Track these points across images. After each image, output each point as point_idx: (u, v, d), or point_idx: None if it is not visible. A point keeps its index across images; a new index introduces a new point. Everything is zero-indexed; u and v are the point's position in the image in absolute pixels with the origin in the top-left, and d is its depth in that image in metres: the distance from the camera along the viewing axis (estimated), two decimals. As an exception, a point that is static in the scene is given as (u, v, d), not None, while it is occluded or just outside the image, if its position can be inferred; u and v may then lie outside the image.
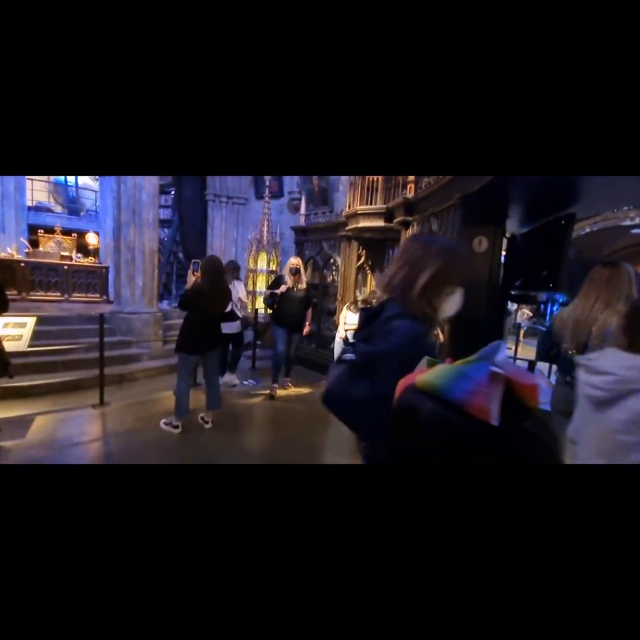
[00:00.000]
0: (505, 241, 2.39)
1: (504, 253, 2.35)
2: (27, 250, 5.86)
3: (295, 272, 3.43)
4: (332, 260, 4.60)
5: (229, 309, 2.98)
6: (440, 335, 2.07)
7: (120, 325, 4.26)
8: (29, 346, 2.73)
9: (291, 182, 5.43)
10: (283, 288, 3.41)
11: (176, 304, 3.27)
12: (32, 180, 7.82)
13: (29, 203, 7.64)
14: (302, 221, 5.01)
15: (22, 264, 4.97)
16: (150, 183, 4.21)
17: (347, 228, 3.98)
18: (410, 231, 3.06)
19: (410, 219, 3.02)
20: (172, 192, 7.29)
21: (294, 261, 3.53)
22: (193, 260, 2.65)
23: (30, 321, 2.73)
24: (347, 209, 3.98)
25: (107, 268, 5.64)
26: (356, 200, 3.79)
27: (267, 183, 5.48)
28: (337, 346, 3.43)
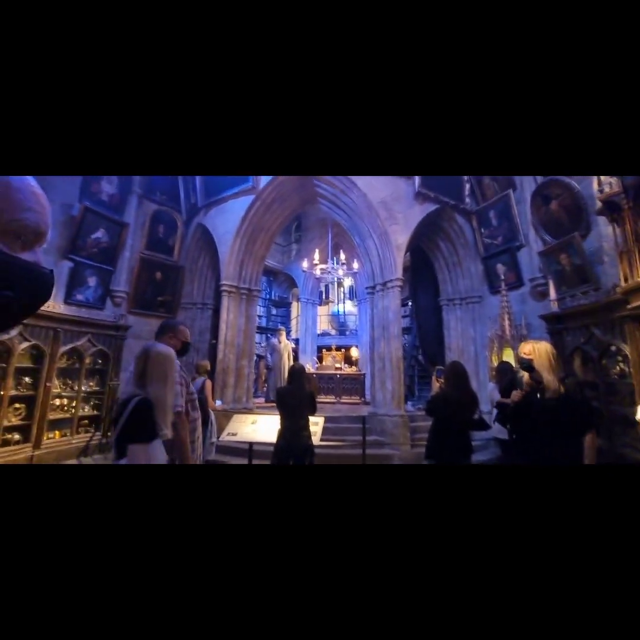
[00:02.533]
0: None
1: None
2: (317, 365, 8.26)
3: (527, 367, 2.04)
4: (614, 348, 3.51)
5: (477, 415, 2.82)
6: None
7: (375, 426, 4.88)
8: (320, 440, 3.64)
9: (531, 268, 4.98)
10: (517, 395, 2.11)
11: (420, 406, 3.43)
12: (320, 316, 11.45)
13: (318, 331, 11.05)
14: (554, 307, 4.31)
15: (315, 375, 7.03)
16: (394, 303, 5.14)
17: (630, 306, 3.06)
18: None
19: None
20: (410, 303, 8.43)
21: (527, 349, 2.07)
22: (437, 368, 2.83)
23: (321, 420, 3.71)
24: (623, 283, 3.13)
25: (364, 374, 6.92)
26: (637, 270, 2.95)
27: (502, 276, 5.29)
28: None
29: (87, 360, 5.30)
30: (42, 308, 4.61)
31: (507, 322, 4.80)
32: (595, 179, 3.88)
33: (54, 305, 4.94)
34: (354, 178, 5.26)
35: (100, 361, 5.56)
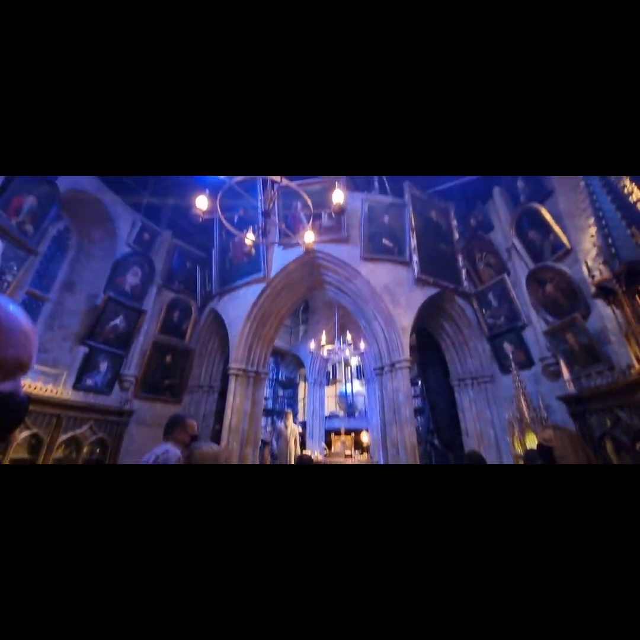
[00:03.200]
0: None
1: None
2: (325, 452, 7.70)
3: (546, 455, 2.18)
4: (645, 434, 3.26)
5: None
6: None
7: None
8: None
9: (539, 348, 4.97)
10: None
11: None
12: (328, 397, 11.13)
13: (326, 413, 10.61)
14: (570, 388, 4.17)
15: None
16: (404, 385, 5.04)
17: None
18: None
19: None
20: (420, 383, 8.24)
21: (547, 434, 2.09)
22: (467, 452, 2.63)
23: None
24: (637, 365, 3.08)
25: (377, 465, 6.38)
26: (647, 350, 2.93)
27: (511, 355, 5.26)
28: None
29: (85, 450, 5.05)
30: (49, 394, 4.56)
31: (524, 404, 4.59)
32: (583, 264, 4.15)
33: (62, 391, 4.94)
34: (358, 267, 5.69)
35: (98, 450, 5.29)
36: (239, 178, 2.88)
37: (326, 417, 10.36)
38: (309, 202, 3.36)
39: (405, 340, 5.30)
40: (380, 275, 5.66)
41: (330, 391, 11.63)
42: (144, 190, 6.73)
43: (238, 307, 6.16)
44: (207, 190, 2.94)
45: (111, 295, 5.86)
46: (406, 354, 5.22)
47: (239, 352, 5.93)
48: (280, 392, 10.81)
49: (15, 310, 0.45)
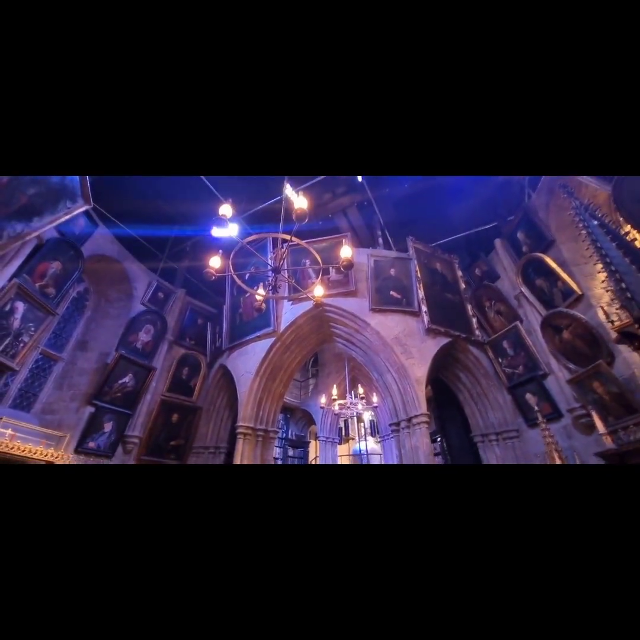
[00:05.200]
0: None
1: None
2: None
3: None
4: None
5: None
6: None
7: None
8: None
9: (565, 398, 4.67)
10: None
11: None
12: (341, 456, 10.42)
13: (339, 475, 9.85)
14: (607, 443, 3.80)
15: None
16: (424, 442, 4.68)
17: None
18: None
19: None
20: (439, 439, 7.69)
21: None
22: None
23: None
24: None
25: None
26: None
27: (536, 407, 4.93)
28: None
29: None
30: (49, 458, 4.33)
31: (558, 461, 4.17)
32: (599, 310, 4.07)
33: (63, 455, 4.72)
34: (367, 318, 5.70)
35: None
36: (250, 238, 3.03)
37: (340, 480, 9.58)
38: (319, 257, 3.47)
39: (420, 393, 5.07)
40: (390, 326, 5.63)
41: (343, 450, 10.93)
42: (161, 253, 7.16)
43: (247, 362, 6.09)
44: (220, 251, 3.08)
45: (123, 353, 5.89)
46: (423, 407, 4.95)
47: (248, 410, 5.71)
48: (291, 452, 10.19)
49: None
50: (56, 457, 4.56)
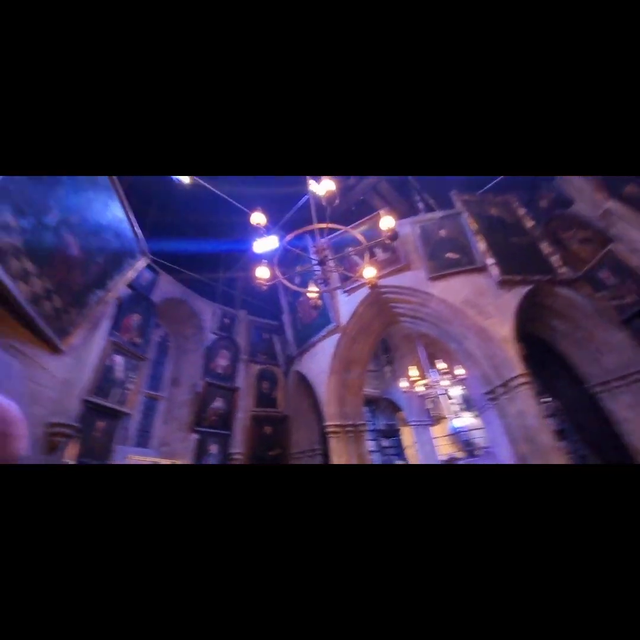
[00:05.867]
0: None
1: None
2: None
3: None
4: None
5: None
6: None
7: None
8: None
9: None
10: None
11: None
12: (438, 438, 9.92)
13: (442, 457, 9.37)
14: None
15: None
16: (530, 405, 4.18)
17: None
18: None
19: None
20: (548, 399, 6.83)
21: None
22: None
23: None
24: None
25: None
26: None
27: None
28: None
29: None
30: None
31: None
32: None
33: (184, 479, 5.27)
34: (428, 288, 5.32)
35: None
36: (289, 237, 3.02)
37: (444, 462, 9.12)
38: (362, 237, 3.33)
39: (512, 352, 4.54)
40: (455, 290, 5.18)
41: (438, 431, 10.41)
42: (216, 282, 7.66)
43: (319, 362, 6.15)
44: (264, 260, 3.12)
45: (208, 380, 6.40)
46: (519, 367, 4.42)
47: (331, 408, 5.74)
48: (385, 443, 10.04)
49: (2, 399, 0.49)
50: (178, 483, 5.11)
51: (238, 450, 6.27)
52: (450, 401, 10.89)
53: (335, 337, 5.96)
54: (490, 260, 5.06)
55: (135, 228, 4.87)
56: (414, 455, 9.49)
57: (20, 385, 3.54)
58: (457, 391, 10.17)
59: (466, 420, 10.09)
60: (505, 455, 5.93)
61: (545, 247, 5.34)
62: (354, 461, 5.36)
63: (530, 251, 5.32)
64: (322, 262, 2.99)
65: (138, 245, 5.08)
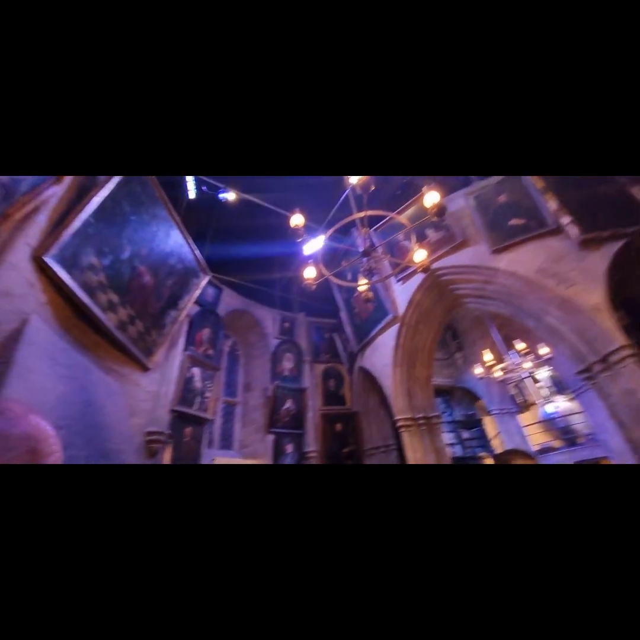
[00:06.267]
0: None
1: None
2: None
3: None
4: None
5: None
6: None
7: None
8: None
9: None
10: None
11: None
12: (527, 426, 8.93)
13: (535, 446, 8.41)
14: None
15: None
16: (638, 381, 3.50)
17: None
18: None
19: None
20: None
21: None
22: None
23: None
24: None
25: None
26: None
27: None
28: None
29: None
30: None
31: None
32: None
33: (265, 478, 5.58)
34: (493, 263, 4.82)
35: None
36: (330, 231, 2.99)
37: (539, 453, 8.18)
38: (405, 220, 3.16)
39: (607, 322, 3.86)
40: (525, 259, 4.59)
41: (527, 418, 9.38)
42: (273, 289, 7.99)
43: (381, 356, 6.00)
44: (311, 260, 3.15)
45: (277, 383, 6.71)
46: (620, 339, 3.75)
47: (399, 401, 5.56)
48: (465, 434, 9.38)
49: (36, 418, 0.51)
50: (261, 481, 5.43)
51: (312, 448, 6.44)
52: (537, 385, 9.73)
53: (394, 329, 5.75)
54: (565, 219, 4.38)
55: (194, 250, 5.33)
56: (500, 446, 8.69)
57: (121, 400, 4.12)
58: (544, 373, 9.04)
59: (560, 404, 8.91)
60: (615, 442, 5.09)
61: (637, 192, 4.43)
62: (430, 455, 5.10)
63: (617, 200, 4.47)
64: (366, 253, 2.90)
65: (199, 265, 5.55)
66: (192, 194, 6.13)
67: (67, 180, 3.06)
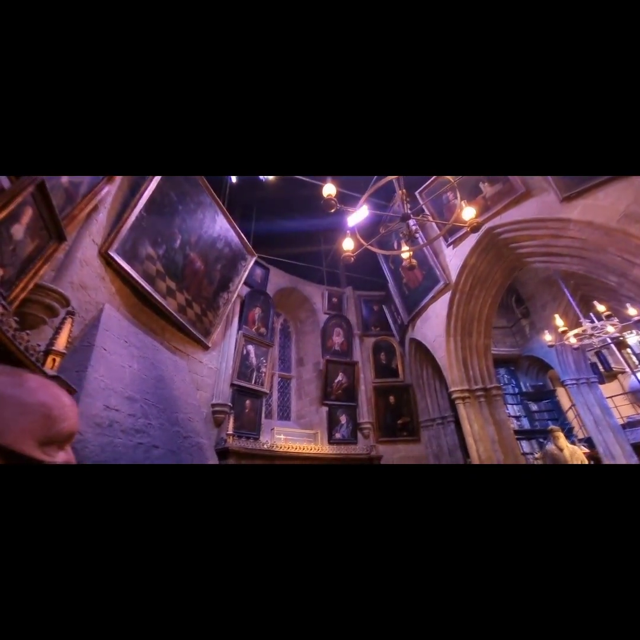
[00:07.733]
0: None
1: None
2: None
3: None
4: None
5: None
6: None
7: None
8: None
9: None
10: None
11: None
12: (611, 398, 7.93)
13: (620, 420, 7.48)
14: None
15: None
16: None
17: None
18: None
19: None
20: None
21: None
22: None
23: None
24: None
25: None
26: None
27: None
28: None
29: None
30: (314, 452, 5.48)
31: None
32: None
33: (321, 447, 5.86)
34: (563, 213, 4.18)
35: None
36: (363, 198, 2.85)
37: (623, 427, 7.28)
38: (450, 177, 2.87)
39: None
40: (604, 205, 3.89)
41: (611, 389, 8.32)
42: (319, 265, 7.98)
43: (433, 326, 5.73)
44: (348, 231, 3.06)
45: (328, 357, 6.85)
46: None
47: (454, 373, 5.30)
48: (534, 407, 8.67)
49: (56, 390, 0.53)
50: (317, 450, 5.72)
51: (366, 419, 6.54)
52: (626, 351, 8.49)
53: (446, 297, 5.41)
54: (661, 150, 3.57)
55: (239, 233, 5.52)
56: (576, 421, 7.90)
57: (187, 376, 4.58)
58: (634, 338, 7.83)
59: (655, 373, 7.70)
60: None
61: None
62: (490, 427, 4.84)
63: None
64: (405, 217, 2.72)
65: (245, 248, 5.75)
66: (233, 177, 6.27)
67: (118, 177, 3.33)
